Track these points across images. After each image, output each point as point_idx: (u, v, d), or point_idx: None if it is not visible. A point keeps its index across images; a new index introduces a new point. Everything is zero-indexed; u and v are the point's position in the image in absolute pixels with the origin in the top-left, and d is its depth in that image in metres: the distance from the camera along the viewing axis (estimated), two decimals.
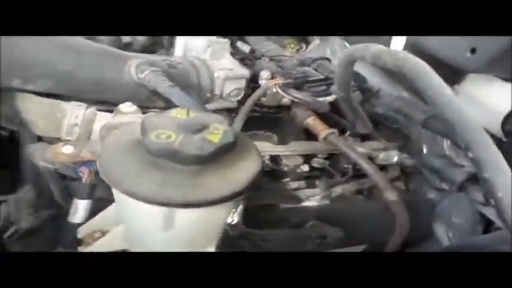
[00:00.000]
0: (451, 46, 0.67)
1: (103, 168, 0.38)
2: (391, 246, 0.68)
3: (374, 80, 0.98)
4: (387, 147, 0.82)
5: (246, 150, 0.45)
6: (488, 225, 0.76)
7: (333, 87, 0.80)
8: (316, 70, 0.84)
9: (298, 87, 0.76)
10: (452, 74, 0.74)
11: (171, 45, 0.91)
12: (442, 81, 0.49)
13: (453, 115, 0.46)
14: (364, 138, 0.84)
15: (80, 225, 0.47)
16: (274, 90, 0.73)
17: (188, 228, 0.41)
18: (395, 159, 0.79)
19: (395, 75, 0.95)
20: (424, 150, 0.91)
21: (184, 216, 0.40)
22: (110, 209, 0.47)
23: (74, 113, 0.55)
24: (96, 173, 0.48)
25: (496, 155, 0.37)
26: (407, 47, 0.79)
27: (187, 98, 0.56)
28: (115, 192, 0.42)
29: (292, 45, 1.22)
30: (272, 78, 0.75)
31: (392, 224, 0.66)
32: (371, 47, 0.54)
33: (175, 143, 0.38)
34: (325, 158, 0.76)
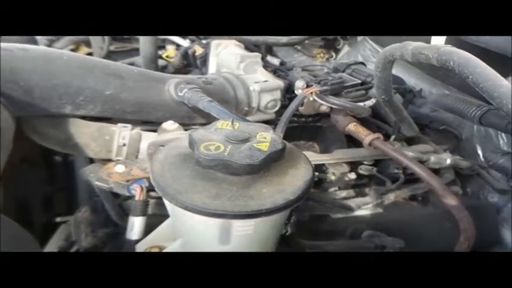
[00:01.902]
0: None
1: (157, 183, 0.38)
2: None
3: (411, 81, 0.94)
4: (437, 149, 0.76)
5: (294, 158, 0.43)
6: None
7: (372, 91, 0.77)
8: (351, 75, 0.82)
9: (335, 93, 0.74)
10: (503, 66, 0.68)
11: (204, 64, 0.94)
12: (495, 72, 0.45)
13: None
14: (410, 142, 0.79)
15: (137, 241, 0.47)
16: (311, 98, 0.72)
17: (244, 241, 0.40)
18: (449, 161, 0.73)
19: (437, 72, 0.91)
20: (478, 150, 0.84)
21: (240, 228, 0.38)
22: (165, 224, 0.47)
23: (121, 134, 0.57)
24: (148, 189, 0.48)
25: None
26: (449, 41, 0.74)
27: (226, 111, 0.56)
28: (170, 207, 0.41)
29: (322, 55, 1.22)
30: (307, 87, 0.74)
31: (455, 231, 0.60)
32: (410, 44, 0.52)
33: (225, 154, 0.38)
34: (371, 165, 0.72)
